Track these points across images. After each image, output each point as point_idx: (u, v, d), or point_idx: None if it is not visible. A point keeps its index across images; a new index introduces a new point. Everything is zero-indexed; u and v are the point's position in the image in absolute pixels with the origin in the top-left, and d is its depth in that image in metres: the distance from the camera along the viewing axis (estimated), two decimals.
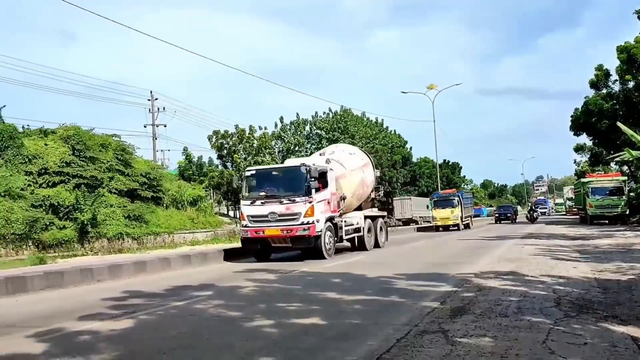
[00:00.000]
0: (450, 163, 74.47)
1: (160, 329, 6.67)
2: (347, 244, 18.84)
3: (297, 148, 52.39)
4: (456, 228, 36.49)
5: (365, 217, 18.92)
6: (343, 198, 17.30)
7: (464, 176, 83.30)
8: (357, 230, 18.23)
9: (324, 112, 54.43)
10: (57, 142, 25.17)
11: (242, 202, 16.39)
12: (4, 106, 26.45)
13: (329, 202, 16.15)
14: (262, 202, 15.60)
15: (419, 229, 38.85)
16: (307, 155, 53.72)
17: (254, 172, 16.80)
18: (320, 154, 19.82)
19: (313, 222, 15.13)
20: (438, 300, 7.86)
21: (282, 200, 15.38)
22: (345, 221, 17.34)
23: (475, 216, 69.98)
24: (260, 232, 15.48)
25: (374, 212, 20.68)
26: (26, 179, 23.08)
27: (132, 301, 8.89)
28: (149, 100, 40.81)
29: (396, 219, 45.83)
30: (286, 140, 50.04)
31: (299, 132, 51.83)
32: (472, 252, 16.65)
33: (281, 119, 50.19)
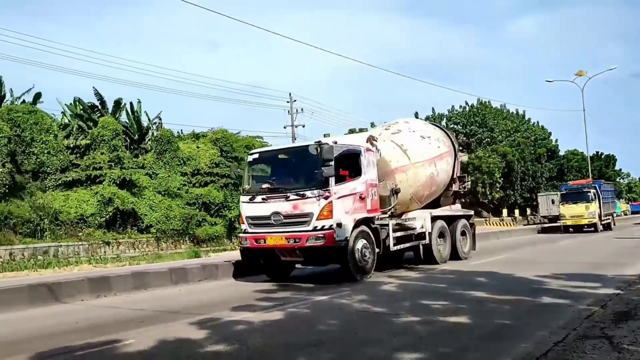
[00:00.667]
0: (603, 155, 68.45)
1: (309, 322, 6.93)
2: (409, 253, 13.86)
3: None
4: (592, 229, 28.56)
5: (435, 218, 13.71)
6: (395, 192, 12.37)
7: (620, 169, 76.14)
8: (420, 236, 13.19)
9: (460, 106, 52.97)
10: (207, 144, 27.27)
11: (241, 197, 11.89)
12: (161, 112, 29.18)
13: (362, 198, 11.24)
14: (263, 198, 11.10)
15: (543, 230, 31.78)
16: None
17: (257, 155, 12.16)
18: (361, 129, 15.50)
19: (331, 227, 10.37)
20: (597, 303, 7.28)
21: (289, 195, 10.82)
22: (398, 224, 12.70)
23: (633, 213, 63.83)
24: (261, 241, 11.05)
25: (453, 210, 15.23)
26: (182, 179, 25.30)
27: (281, 294, 9.33)
28: (288, 102, 42.48)
29: (541, 216, 43.15)
30: None
31: None
32: (631, 253, 15.18)
33: (416, 114, 49.56)
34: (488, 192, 42.57)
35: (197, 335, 6.19)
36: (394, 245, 12.11)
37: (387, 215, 12.21)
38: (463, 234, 15.02)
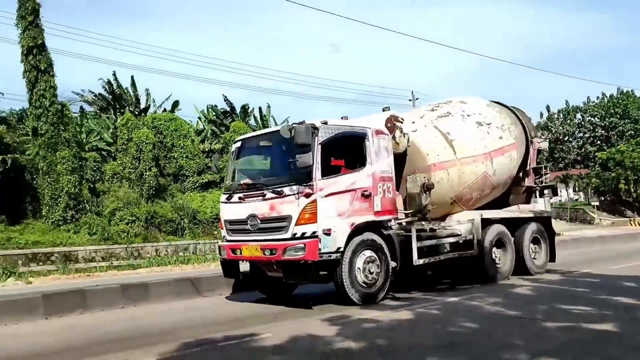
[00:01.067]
0: None
1: (439, 323, 6.81)
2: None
3: (566, 138, 48.28)
4: None
5: (487, 222, 10.59)
6: (427, 188, 9.38)
7: None
8: (466, 245, 10.21)
9: (597, 97, 49.19)
10: None
11: (221, 196, 9.64)
12: (289, 117, 30.28)
13: (365, 195, 8.49)
14: (240, 198, 8.81)
15: None
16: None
17: (239, 144, 9.64)
18: (392, 112, 10.15)
19: (315, 235, 7.86)
20: None
21: (265, 193, 8.41)
22: (432, 230, 9.82)
23: None
24: (238, 252, 8.75)
25: (518, 211, 11.71)
26: None
27: (409, 294, 9.25)
28: (410, 100, 42.13)
29: None
30: (554, 131, 46.54)
31: (568, 121, 47.76)
32: None
33: (547, 107, 47.00)
34: (632, 190, 39.13)
35: (328, 332, 6.33)
36: (419, 257, 9.24)
37: (415, 219, 9.45)
38: (535, 241, 11.66)
